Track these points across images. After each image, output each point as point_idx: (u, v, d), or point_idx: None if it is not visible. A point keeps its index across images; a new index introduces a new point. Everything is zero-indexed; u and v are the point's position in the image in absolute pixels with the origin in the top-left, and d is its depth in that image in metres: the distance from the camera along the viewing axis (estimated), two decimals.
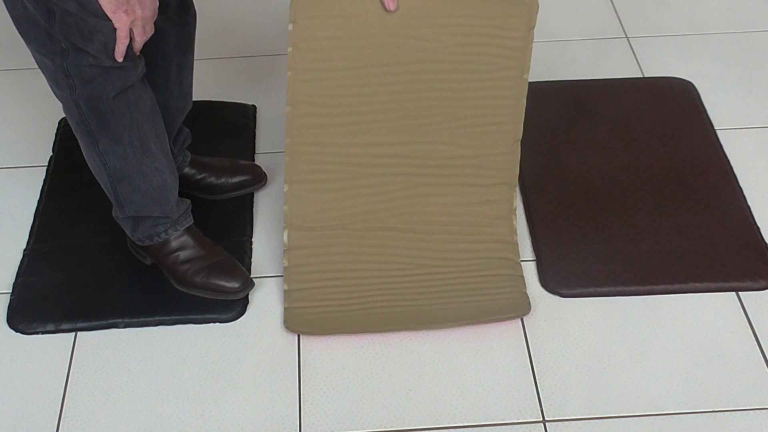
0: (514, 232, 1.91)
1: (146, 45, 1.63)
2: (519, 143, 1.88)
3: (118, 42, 1.52)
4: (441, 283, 1.85)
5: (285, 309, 1.83)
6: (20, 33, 1.56)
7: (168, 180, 1.77)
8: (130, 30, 1.52)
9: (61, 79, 1.59)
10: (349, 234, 1.88)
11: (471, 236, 1.90)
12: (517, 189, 2.02)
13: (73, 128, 1.69)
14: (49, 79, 1.62)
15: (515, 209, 1.92)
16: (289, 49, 1.75)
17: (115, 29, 1.51)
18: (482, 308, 1.81)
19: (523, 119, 1.85)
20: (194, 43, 1.85)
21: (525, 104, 1.84)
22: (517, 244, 1.90)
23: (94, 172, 1.76)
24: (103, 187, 1.78)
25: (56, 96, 1.64)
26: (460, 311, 1.81)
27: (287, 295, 1.84)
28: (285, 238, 1.87)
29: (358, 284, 1.85)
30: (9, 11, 1.55)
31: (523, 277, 1.87)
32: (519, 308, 1.81)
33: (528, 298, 1.83)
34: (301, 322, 1.80)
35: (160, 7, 1.69)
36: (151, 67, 1.71)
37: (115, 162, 1.70)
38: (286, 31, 2.56)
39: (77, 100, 1.61)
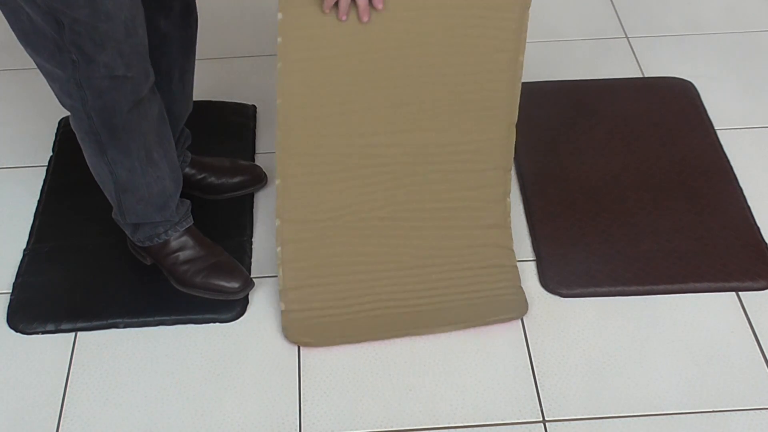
0: (507, 214, 1.89)
1: (150, 49, 1.63)
2: (514, 127, 1.84)
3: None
4: (437, 279, 1.84)
5: (282, 313, 1.81)
6: (27, 46, 1.53)
7: (168, 187, 1.76)
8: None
9: (73, 91, 1.56)
10: (344, 225, 1.85)
11: (464, 221, 1.87)
12: (513, 172, 1.97)
13: (79, 137, 1.68)
14: (59, 90, 1.59)
15: (509, 192, 1.88)
16: (279, 39, 1.70)
17: (126, 35, 1.50)
18: (480, 310, 1.81)
19: (518, 103, 1.81)
20: (196, 46, 1.85)
21: (520, 88, 1.80)
22: (509, 227, 1.89)
23: (98, 179, 1.76)
24: (106, 194, 1.78)
25: (65, 106, 1.62)
26: (458, 313, 1.80)
27: (283, 295, 1.82)
28: (277, 231, 1.83)
29: (354, 280, 1.83)
30: (13, 25, 1.51)
31: (516, 267, 1.87)
32: (517, 309, 1.81)
33: (525, 296, 1.83)
34: (299, 330, 1.78)
35: (162, 11, 1.68)
36: (155, 71, 1.71)
37: (123, 173, 1.70)
38: None
39: (89, 112, 1.59)
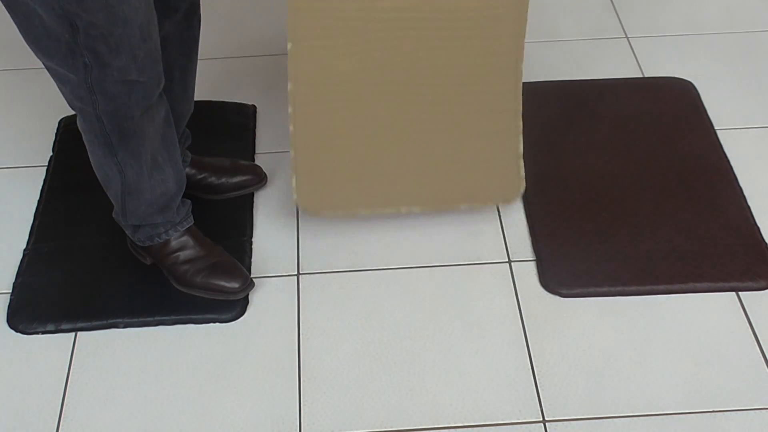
0: (519, 79, 1.87)
1: None
2: None
3: None
4: (446, 144, 1.88)
5: (295, 181, 1.83)
6: (38, 50, 1.52)
7: (171, 189, 1.76)
8: None
9: (84, 94, 1.56)
10: (356, 89, 1.82)
11: (476, 86, 1.87)
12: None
13: (87, 138, 1.67)
14: (70, 93, 1.58)
15: (522, 59, 1.86)
16: None
17: (142, 40, 1.50)
18: (481, 185, 1.91)
19: None
20: (198, 46, 1.84)
21: None
22: (520, 92, 1.88)
23: (103, 180, 1.75)
24: (109, 194, 1.77)
25: (74, 108, 1.61)
26: (461, 188, 1.90)
27: (295, 159, 1.81)
28: (290, 93, 1.80)
29: (365, 144, 1.84)
30: (24, 29, 1.50)
31: (520, 134, 1.90)
32: (512, 187, 1.91)
33: (522, 171, 1.92)
34: (310, 196, 1.81)
35: (167, 12, 1.68)
36: None
37: (131, 176, 1.70)
38: (287, 31, 2.56)
39: (100, 116, 1.59)
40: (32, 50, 1.53)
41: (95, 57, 1.49)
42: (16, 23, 1.50)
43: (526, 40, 2.49)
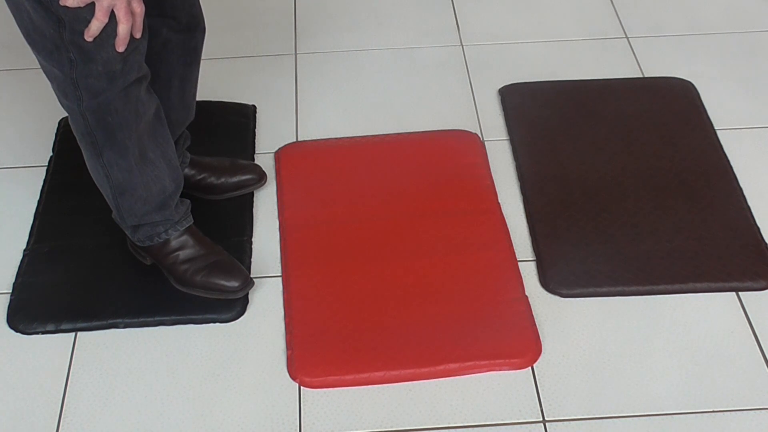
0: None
1: (150, 55, 1.62)
2: None
3: (94, 20, 1.43)
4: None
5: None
6: (29, 43, 1.54)
7: (168, 186, 1.76)
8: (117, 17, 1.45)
9: (69, 90, 1.57)
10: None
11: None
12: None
13: (77, 139, 1.68)
14: (57, 89, 1.59)
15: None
16: None
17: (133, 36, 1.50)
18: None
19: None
20: (200, 57, 1.84)
21: None
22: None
23: (96, 182, 1.76)
24: (105, 196, 1.78)
25: (63, 106, 1.62)
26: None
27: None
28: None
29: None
30: (17, 22, 1.52)
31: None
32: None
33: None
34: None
35: (164, 20, 1.68)
36: (154, 77, 1.71)
37: (119, 174, 1.70)
38: (286, 31, 2.56)
39: (84, 112, 1.59)
40: (28, 43, 1.55)
41: (80, 52, 1.50)
42: (12, 16, 1.52)
43: (526, 40, 2.50)
